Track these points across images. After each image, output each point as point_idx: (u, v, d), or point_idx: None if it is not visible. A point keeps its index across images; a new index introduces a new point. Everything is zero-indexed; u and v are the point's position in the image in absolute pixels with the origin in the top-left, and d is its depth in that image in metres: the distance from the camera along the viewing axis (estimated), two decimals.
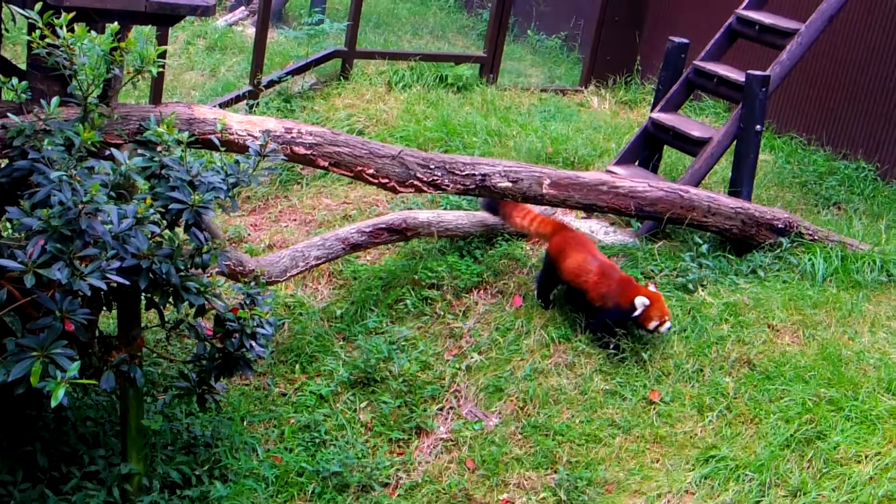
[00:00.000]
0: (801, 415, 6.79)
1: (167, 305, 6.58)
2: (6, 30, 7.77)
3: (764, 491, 6.43)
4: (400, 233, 8.88)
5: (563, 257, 7.99)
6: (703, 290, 8.10)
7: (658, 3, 13.61)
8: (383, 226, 8.85)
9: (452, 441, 7.56)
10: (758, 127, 9.15)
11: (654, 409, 7.29)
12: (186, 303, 6.52)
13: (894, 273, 8.33)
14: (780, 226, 8.60)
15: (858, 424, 6.62)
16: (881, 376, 6.96)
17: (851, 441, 6.51)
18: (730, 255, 8.53)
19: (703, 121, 11.54)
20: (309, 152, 7.90)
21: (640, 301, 7.53)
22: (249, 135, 7.64)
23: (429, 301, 8.69)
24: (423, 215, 8.99)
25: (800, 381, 7.08)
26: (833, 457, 6.47)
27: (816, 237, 8.62)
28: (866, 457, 6.40)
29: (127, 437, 6.86)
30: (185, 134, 6.62)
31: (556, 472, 7.05)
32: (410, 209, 9.40)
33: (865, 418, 6.65)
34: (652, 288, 7.79)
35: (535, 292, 8.29)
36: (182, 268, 6.45)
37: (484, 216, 9.15)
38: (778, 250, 8.51)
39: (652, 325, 7.58)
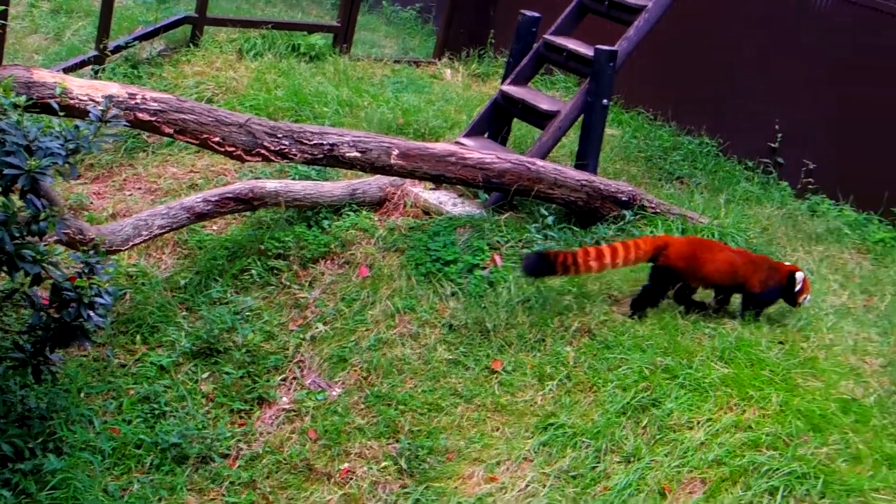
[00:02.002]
0: (637, 383, 6.94)
1: (1, 274, 6.41)
2: None
3: (600, 457, 6.57)
4: (247, 202, 8.80)
5: (700, 264, 7.56)
6: None
7: None
8: (230, 195, 8.76)
9: (295, 411, 7.55)
10: (605, 101, 9.26)
11: (496, 378, 7.37)
12: (22, 271, 6.36)
13: (732, 245, 8.54)
14: (623, 199, 8.74)
15: (691, 392, 6.79)
16: (715, 345, 7.14)
17: (684, 408, 6.68)
18: (575, 227, 8.64)
19: (553, 94, 11.65)
20: (153, 119, 7.78)
21: (800, 276, 7.61)
22: (91, 100, 7.48)
23: (275, 271, 8.64)
24: (271, 185, 8.92)
25: (638, 350, 7.23)
26: (667, 423, 6.62)
27: (659, 210, 8.79)
28: (698, 423, 6.57)
29: None
30: (23, 97, 6.45)
31: (397, 441, 7.10)
32: (258, 179, 9.31)
33: (698, 386, 6.82)
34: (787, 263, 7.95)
35: (634, 307, 7.70)
36: (17, 235, 6.29)
37: (333, 186, 9.11)
38: (621, 223, 8.64)
39: (802, 298, 7.65)
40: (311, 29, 12.88)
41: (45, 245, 6.56)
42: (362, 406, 7.42)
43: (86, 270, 6.71)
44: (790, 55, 10.84)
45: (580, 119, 9.47)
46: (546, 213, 8.68)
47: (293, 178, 9.41)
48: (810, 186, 10.45)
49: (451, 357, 7.60)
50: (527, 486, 6.56)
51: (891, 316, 7.90)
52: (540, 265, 7.60)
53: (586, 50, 9.56)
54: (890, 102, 10.02)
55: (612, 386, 6.99)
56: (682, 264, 7.57)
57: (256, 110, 10.50)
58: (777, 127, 10.77)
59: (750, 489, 6.07)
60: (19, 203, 6.40)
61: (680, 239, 7.91)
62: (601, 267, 7.63)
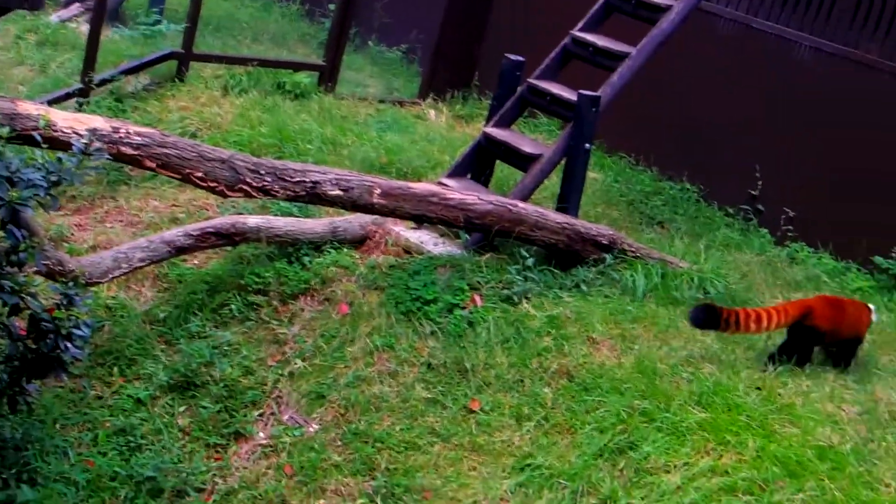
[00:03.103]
0: (615, 425, 6.94)
1: None
2: None
3: (576, 499, 6.57)
4: (228, 237, 8.80)
5: (838, 325, 7.83)
6: (527, 303, 8.21)
7: (497, 21, 13.76)
8: (211, 230, 8.76)
9: (271, 447, 7.53)
10: (587, 145, 9.31)
11: (474, 417, 7.37)
12: (0, 301, 6.35)
13: (711, 291, 8.58)
14: (604, 242, 8.79)
15: (669, 435, 6.79)
16: (693, 389, 7.15)
17: (661, 451, 6.68)
18: (555, 269, 8.65)
19: (536, 138, 11.70)
20: (136, 153, 7.79)
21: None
22: (75, 132, 7.49)
23: (254, 306, 8.62)
24: (253, 221, 8.92)
25: (616, 392, 7.23)
26: (643, 466, 6.63)
27: (639, 254, 8.82)
28: (675, 466, 6.57)
29: None
30: (6, 129, 6.46)
31: (374, 478, 7.08)
32: (240, 214, 9.31)
33: (676, 430, 6.82)
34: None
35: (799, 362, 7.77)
36: None
37: (314, 223, 9.12)
38: (601, 266, 8.67)
39: None
40: (297, 67, 12.92)
41: (24, 276, 6.56)
42: (339, 443, 7.40)
43: (64, 302, 6.71)
44: (772, 104, 10.94)
45: (562, 162, 9.50)
46: (527, 255, 8.68)
47: (275, 214, 9.42)
48: (790, 234, 10.52)
49: (429, 396, 7.59)
50: None
51: (867, 364, 7.92)
52: (708, 317, 7.65)
53: (570, 95, 9.62)
54: (867, 152, 10.11)
55: (590, 428, 7.00)
56: (826, 327, 7.76)
57: (240, 146, 10.50)
58: (758, 174, 10.85)
59: None
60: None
61: (821, 301, 8.08)
62: (758, 330, 7.74)
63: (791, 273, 9.70)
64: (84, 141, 6.71)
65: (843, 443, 6.71)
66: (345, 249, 8.98)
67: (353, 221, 9.21)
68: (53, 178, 6.55)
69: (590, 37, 10.15)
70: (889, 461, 6.64)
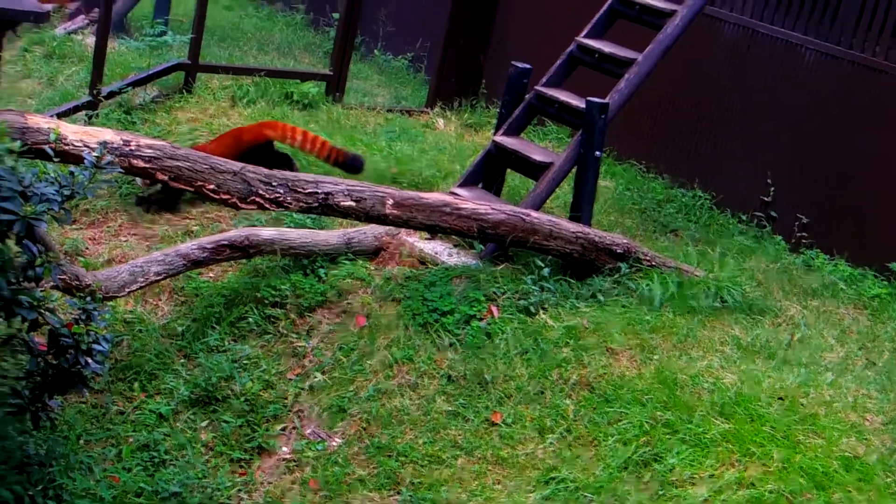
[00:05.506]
0: (638, 437, 6.93)
1: None
2: None
3: None
4: (242, 250, 8.79)
5: None
6: (544, 313, 8.21)
7: (502, 28, 13.78)
8: (225, 242, 8.75)
9: (295, 461, 7.51)
10: (597, 153, 9.30)
11: (496, 430, 7.35)
12: (19, 317, 6.32)
13: (728, 299, 8.58)
14: (619, 251, 8.78)
15: (693, 447, 6.78)
16: (714, 400, 7.14)
17: (686, 463, 6.67)
18: (571, 279, 8.65)
19: (546, 145, 11.71)
20: (148, 165, 7.77)
21: None
22: (85, 146, 7.46)
23: (272, 319, 8.62)
24: (267, 233, 8.92)
25: (637, 403, 7.22)
26: (669, 479, 6.61)
27: (654, 263, 8.82)
28: (700, 479, 6.56)
29: None
30: (18, 143, 6.43)
31: (398, 493, 7.07)
32: (254, 226, 9.31)
33: (699, 441, 6.81)
34: None
35: None
36: (14, 280, 6.26)
37: (328, 235, 9.12)
38: (617, 275, 8.66)
39: None
40: (304, 77, 12.92)
41: (41, 291, 6.53)
42: (362, 457, 7.39)
43: (83, 317, 6.69)
44: (781, 109, 10.94)
45: (573, 171, 9.51)
46: (542, 265, 8.69)
47: (288, 226, 9.42)
48: (804, 241, 10.51)
49: (450, 408, 7.59)
50: None
51: (890, 372, 7.92)
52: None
53: (578, 102, 9.63)
54: (881, 156, 10.11)
55: (613, 440, 6.99)
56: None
57: None
58: (770, 181, 10.84)
59: None
60: (15, 249, 6.38)
61: None
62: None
63: (807, 280, 9.64)
64: (95, 154, 6.69)
65: (869, 453, 6.70)
66: (360, 261, 8.98)
67: (367, 233, 9.22)
68: (66, 192, 6.51)
69: (595, 43, 10.17)
70: None
